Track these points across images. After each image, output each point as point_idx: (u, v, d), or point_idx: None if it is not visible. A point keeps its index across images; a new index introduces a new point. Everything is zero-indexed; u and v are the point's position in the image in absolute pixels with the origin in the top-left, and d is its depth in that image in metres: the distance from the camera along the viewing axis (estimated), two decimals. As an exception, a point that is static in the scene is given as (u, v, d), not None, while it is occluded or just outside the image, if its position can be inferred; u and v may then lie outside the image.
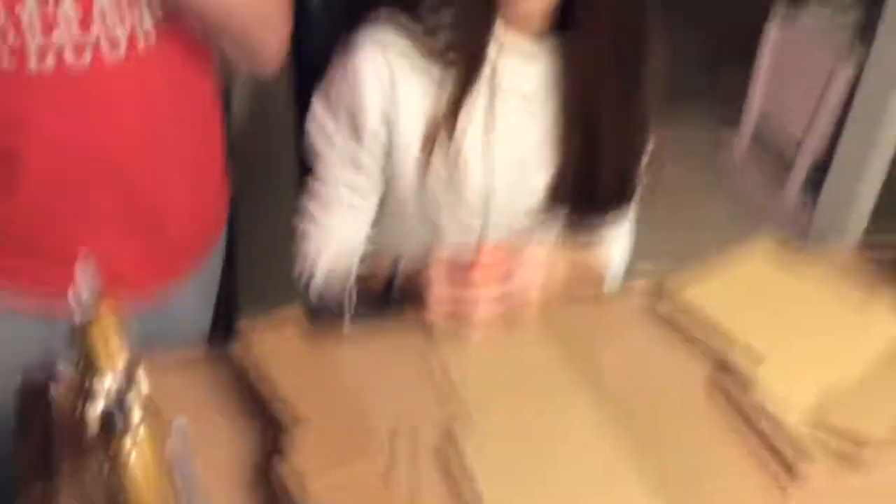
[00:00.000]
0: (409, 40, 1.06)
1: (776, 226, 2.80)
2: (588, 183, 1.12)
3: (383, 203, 1.16)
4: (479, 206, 1.12)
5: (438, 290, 0.99)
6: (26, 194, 0.98)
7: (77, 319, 0.70)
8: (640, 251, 1.28)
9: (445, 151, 1.07)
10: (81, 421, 0.69)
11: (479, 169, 1.10)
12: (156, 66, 0.98)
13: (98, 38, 0.92)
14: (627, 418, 0.91)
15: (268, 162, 1.59)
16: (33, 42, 0.89)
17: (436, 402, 0.92)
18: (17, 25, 0.88)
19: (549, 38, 1.08)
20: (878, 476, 0.88)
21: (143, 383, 0.70)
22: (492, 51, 1.07)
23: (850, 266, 1.16)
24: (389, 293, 1.07)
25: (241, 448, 0.86)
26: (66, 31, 0.90)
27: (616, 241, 1.24)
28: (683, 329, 1.04)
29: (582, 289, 1.13)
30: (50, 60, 0.91)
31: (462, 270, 0.99)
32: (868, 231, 2.60)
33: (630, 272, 1.27)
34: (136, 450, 0.69)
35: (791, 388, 0.94)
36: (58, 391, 0.88)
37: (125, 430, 0.68)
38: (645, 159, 1.15)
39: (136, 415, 0.68)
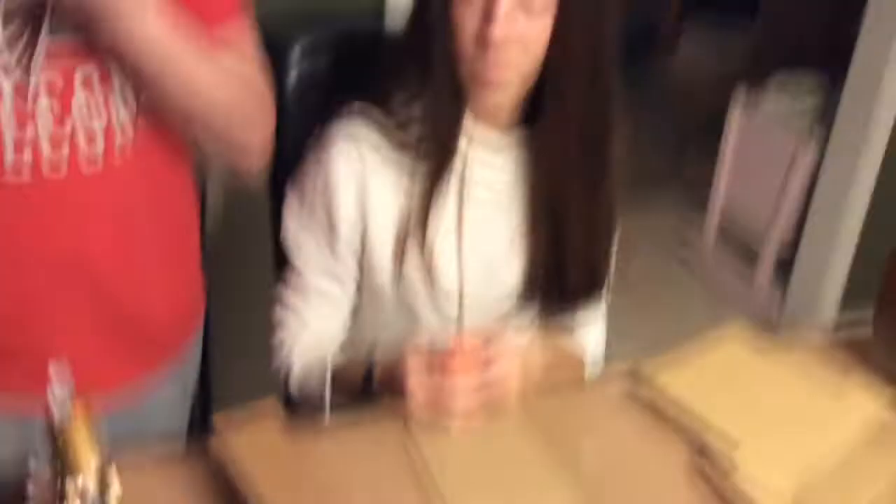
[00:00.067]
0: (381, 134, 1.08)
1: (747, 312, 2.83)
2: (558, 274, 1.14)
3: (360, 291, 1.16)
4: (455, 296, 1.13)
5: (417, 381, 0.99)
6: None
7: (51, 420, 0.70)
8: (614, 338, 1.29)
9: (419, 244, 1.09)
10: (57, 521, 0.68)
11: (451, 261, 1.11)
12: (134, 174, 0.99)
13: (74, 132, 0.92)
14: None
15: (244, 252, 1.59)
16: (8, 135, 0.89)
17: (416, 496, 0.91)
18: None
19: (518, 131, 1.11)
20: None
21: (116, 484, 0.70)
22: (462, 143, 1.09)
23: (823, 349, 1.18)
24: (368, 384, 1.06)
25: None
26: (43, 127, 0.91)
27: (590, 327, 1.25)
28: (661, 415, 1.04)
29: (562, 375, 1.14)
30: (27, 170, 0.91)
31: (440, 360, 0.99)
32: (842, 309, 2.64)
33: (606, 358, 1.27)
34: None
35: (770, 473, 0.94)
36: (33, 490, 0.86)
37: (100, 532, 0.67)
38: (613, 248, 1.17)
39: (111, 516, 0.68)
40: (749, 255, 2.98)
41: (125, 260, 1.02)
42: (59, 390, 0.71)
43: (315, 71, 1.26)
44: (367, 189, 1.08)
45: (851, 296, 2.65)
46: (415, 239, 1.09)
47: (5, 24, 0.87)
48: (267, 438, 0.93)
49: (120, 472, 0.70)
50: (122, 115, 0.96)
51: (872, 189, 2.52)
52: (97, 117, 0.94)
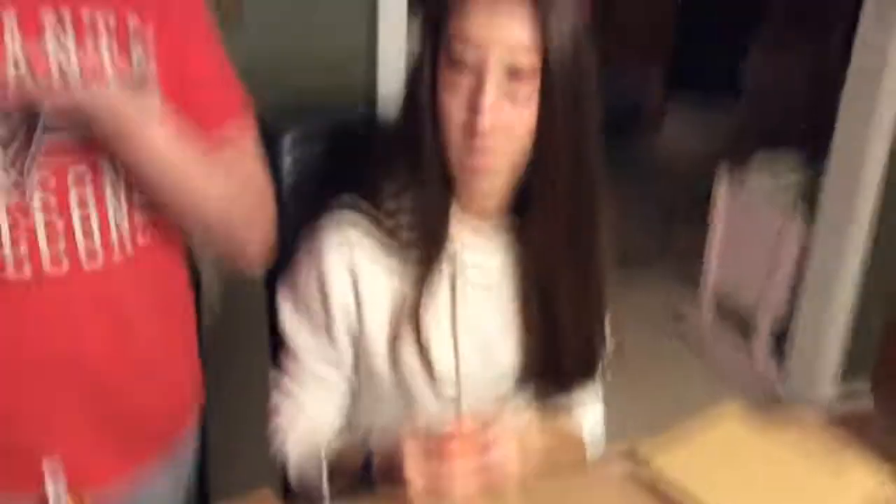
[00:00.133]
0: (371, 225, 1.10)
1: (746, 384, 2.83)
2: (553, 359, 1.14)
3: (357, 374, 1.17)
4: (451, 382, 1.13)
5: (415, 466, 0.98)
6: None
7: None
8: (614, 416, 1.29)
9: (413, 330, 1.09)
10: None
11: (447, 345, 1.11)
12: (133, 270, 0.99)
13: (71, 227, 0.93)
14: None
15: (240, 340, 1.59)
16: (4, 228, 0.90)
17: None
18: None
19: (507, 219, 1.13)
20: None
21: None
22: (452, 230, 1.11)
23: (820, 426, 1.17)
24: (366, 470, 1.05)
25: None
26: (39, 222, 0.91)
27: (588, 406, 1.24)
28: (662, 496, 1.03)
29: (561, 456, 1.13)
30: (27, 265, 0.91)
31: (438, 444, 0.98)
32: (840, 380, 2.64)
33: (607, 436, 1.27)
34: None
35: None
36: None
37: None
38: (606, 328, 1.18)
39: None
40: (744, 328, 2.99)
41: (122, 357, 1.02)
42: (52, 487, 0.70)
43: (308, 159, 1.28)
44: (360, 276, 1.09)
45: (849, 366, 2.64)
46: (409, 325, 1.09)
47: (2, 120, 0.89)
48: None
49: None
50: (118, 212, 0.97)
51: (863, 261, 2.55)
52: (93, 214, 0.95)
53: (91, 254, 0.95)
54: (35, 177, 0.91)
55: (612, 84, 1.20)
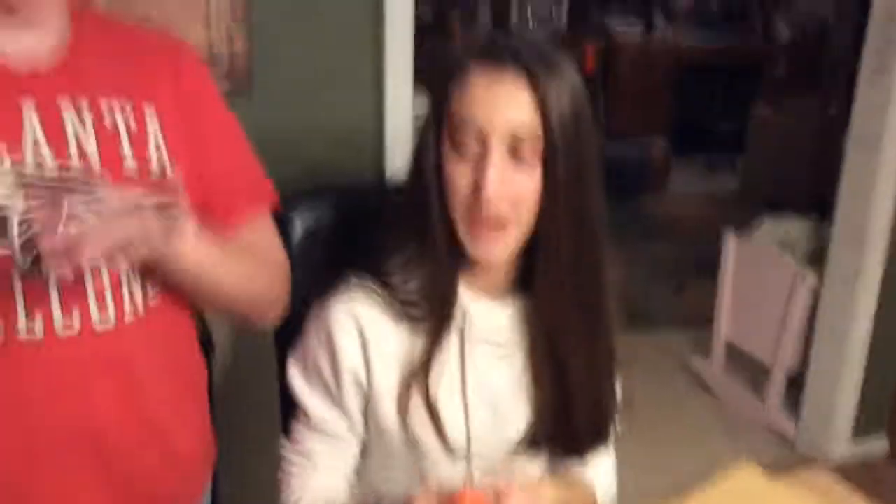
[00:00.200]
0: (380, 298, 1.10)
1: (762, 435, 2.81)
2: (564, 423, 1.14)
3: (368, 435, 1.17)
4: (462, 443, 1.13)
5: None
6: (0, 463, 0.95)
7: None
8: (627, 470, 1.28)
9: (423, 396, 1.09)
10: None
11: (456, 414, 1.11)
12: (145, 333, 1.00)
13: (84, 296, 0.94)
14: None
15: (251, 400, 1.59)
16: (20, 300, 0.91)
17: None
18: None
19: (515, 288, 1.13)
20: None
21: None
22: (461, 300, 1.11)
23: (835, 482, 1.17)
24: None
25: None
26: (53, 293, 0.92)
27: (600, 460, 1.24)
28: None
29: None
30: (39, 328, 0.92)
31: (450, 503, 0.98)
32: (854, 434, 2.62)
33: (617, 492, 1.26)
34: None
35: None
36: None
37: None
38: (617, 388, 1.18)
39: None
40: (756, 382, 2.99)
41: (133, 420, 1.01)
42: None
43: (319, 227, 1.30)
44: (369, 339, 1.10)
45: (863, 419, 2.63)
46: (418, 386, 1.10)
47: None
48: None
49: None
50: (132, 279, 0.98)
51: (874, 314, 2.56)
52: (105, 280, 0.96)
53: (103, 315, 0.96)
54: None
55: (617, 150, 1.22)
